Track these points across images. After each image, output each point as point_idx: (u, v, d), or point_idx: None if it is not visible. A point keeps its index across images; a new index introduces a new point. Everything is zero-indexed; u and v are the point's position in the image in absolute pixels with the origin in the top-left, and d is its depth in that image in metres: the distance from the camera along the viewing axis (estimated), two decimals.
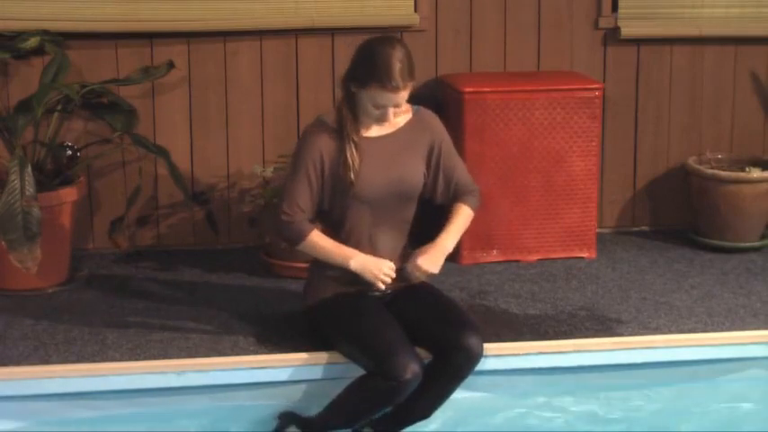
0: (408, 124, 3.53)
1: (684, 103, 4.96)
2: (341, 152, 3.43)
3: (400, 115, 3.48)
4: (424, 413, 3.39)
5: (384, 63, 3.32)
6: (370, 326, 3.36)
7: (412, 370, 3.21)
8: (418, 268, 3.47)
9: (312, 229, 3.46)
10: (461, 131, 4.33)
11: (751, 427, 3.67)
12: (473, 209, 3.60)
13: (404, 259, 3.53)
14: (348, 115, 3.44)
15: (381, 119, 3.43)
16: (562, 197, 4.50)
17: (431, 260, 3.47)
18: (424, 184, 3.56)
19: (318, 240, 3.46)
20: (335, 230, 3.50)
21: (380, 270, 3.43)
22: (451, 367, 3.32)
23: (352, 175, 3.41)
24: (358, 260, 3.43)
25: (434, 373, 3.31)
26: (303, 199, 3.44)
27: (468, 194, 3.60)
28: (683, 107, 4.97)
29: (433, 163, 3.55)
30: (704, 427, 3.63)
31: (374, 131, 3.48)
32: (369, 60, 3.35)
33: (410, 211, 3.57)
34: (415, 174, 3.51)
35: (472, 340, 3.31)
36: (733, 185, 4.63)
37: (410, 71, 3.35)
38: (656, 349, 3.67)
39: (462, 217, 3.57)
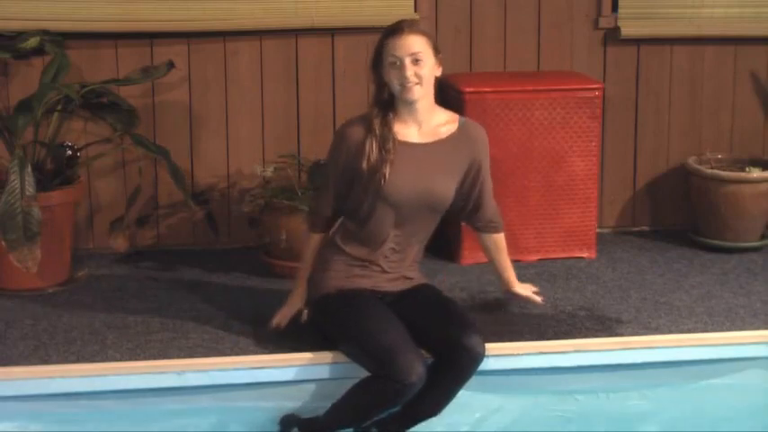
0: (451, 137, 3.53)
1: (684, 103, 4.97)
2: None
3: (425, 85, 3.43)
4: (432, 411, 3.38)
5: (391, 24, 3.48)
6: (374, 326, 3.35)
7: (416, 372, 3.20)
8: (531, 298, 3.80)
9: (313, 236, 3.63)
10: None
11: (751, 427, 3.67)
12: (502, 231, 3.75)
13: (417, 266, 3.62)
14: (378, 109, 3.48)
15: (403, 81, 3.40)
16: (562, 197, 4.50)
17: (530, 287, 3.84)
18: (453, 200, 3.57)
19: (307, 246, 3.65)
20: (360, 226, 3.51)
21: (282, 315, 3.64)
22: (454, 367, 3.32)
23: (366, 168, 3.42)
24: (293, 293, 3.68)
25: (437, 374, 3.31)
26: (324, 206, 3.60)
27: (491, 222, 3.69)
28: (683, 107, 4.97)
29: (469, 181, 3.56)
30: (704, 427, 3.63)
31: (414, 135, 3.50)
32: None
33: (434, 223, 3.59)
34: (445, 189, 3.51)
35: (474, 340, 3.31)
36: (733, 185, 4.63)
37: (421, 28, 3.45)
38: (656, 349, 3.67)
39: (503, 246, 3.76)
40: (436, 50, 3.45)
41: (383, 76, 3.45)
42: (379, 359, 3.25)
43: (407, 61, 3.38)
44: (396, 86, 3.43)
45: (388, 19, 4.60)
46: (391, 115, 3.48)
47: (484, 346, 3.33)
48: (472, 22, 4.76)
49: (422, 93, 3.43)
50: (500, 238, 3.73)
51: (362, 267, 3.52)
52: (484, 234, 3.72)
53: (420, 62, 3.39)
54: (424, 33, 3.44)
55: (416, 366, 3.21)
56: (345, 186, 3.52)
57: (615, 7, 4.84)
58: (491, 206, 3.67)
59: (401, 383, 3.20)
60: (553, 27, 4.82)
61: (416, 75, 3.40)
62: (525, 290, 3.80)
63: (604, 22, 4.84)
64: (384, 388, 3.24)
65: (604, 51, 4.88)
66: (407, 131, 3.50)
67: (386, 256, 3.53)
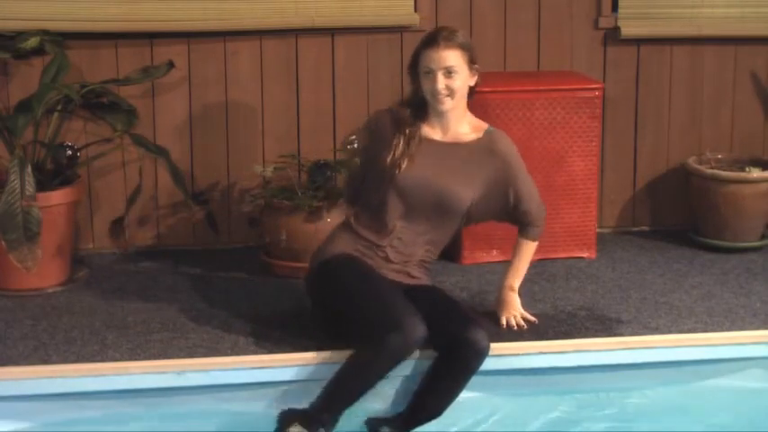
0: (475, 143, 3.60)
1: (684, 103, 4.97)
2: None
3: (456, 97, 3.52)
4: (436, 410, 3.38)
5: (431, 31, 3.58)
6: (376, 288, 3.42)
7: (419, 330, 3.24)
8: (509, 322, 3.72)
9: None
10: None
11: (751, 428, 3.67)
12: (536, 239, 3.73)
13: (425, 269, 3.66)
14: (410, 109, 3.57)
15: (434, 92, 3.49)
16: (562, 197, 4.50)
17: (511, 309, 3.74)
18: (490, 209, 3.64)
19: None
20: (371, 212, 3.59)
21: None
22: (459, 362, 3.33)
23: (389, 162, 3.51)
24: None
25: (442, 369, 3.33)
26: (352, 195, 3.73)
27: (530, 226, 3.69)
28: (683, 107, 4.97)
29: (503, 192, 3.61)
30: (704, 428, 3.63)
31: (438, 135, 3.59)
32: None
33: (448, 227, 3.63)
34: (458, 193, 3.55)
35: (478, 334, 3.33)
36: (733, 185, 4.63)
37: (460, 39, 3.50)
38: (656, 349, 3.67)
39: (524, 253, 3.73)
40: (471, 62, 3.55)
41: (419, 81, 3.55)
42: (382, 318, 3.28)
43: (440, 74, 3.48)
44: (428, 95, 3.53)
45: (388, 19, 4.66)
46: (422, 117, 3.58)
47: (488, 341, 3.35)
48: (472, 22, 4.76)
49: (452, 104, 3.54)
50: (525, 244, 3.72)
51: (368, 248, 3.57)
52: (518, 235, 3.75)
53: (453, 75, 3.49)
54: (459, 46, 3.50)
55: (419, 325, 3.25)
56: (368, 171, 3.62)
57: (615, 7, 4.84)
58: (529, 212, 3.66)
59: (404, 338, 3.22)
60: (553, 27, 4.82)
61: (448, 87, 3.50)
62: (512, 307, 3.75)
63: (604, 22, 4.84)
64: (387, 344, 3.23)
65: (604, 51, 4.88)
66: (432, 131, 3.60)
67: (393, 246, 3.57)
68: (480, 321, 3.44)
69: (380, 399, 3.48)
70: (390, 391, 3.49)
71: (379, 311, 3.32)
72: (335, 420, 3.29)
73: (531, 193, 3.66)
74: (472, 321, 3.39)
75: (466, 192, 3.56)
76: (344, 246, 3.57)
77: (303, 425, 3.29)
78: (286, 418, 3.38)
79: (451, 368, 3.33)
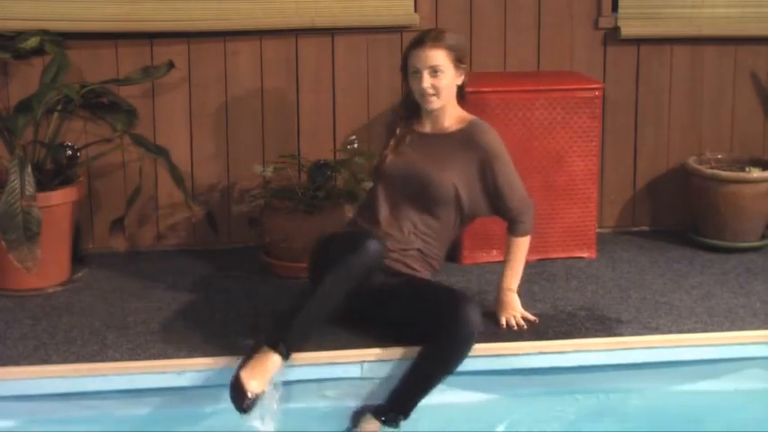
0: (458, 133, 3.68)
1: (684, 102, 4.97)
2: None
3: (442, 96, 3.60)
4: (416, 394, 3.37)
5: (419, 32, 3.69)
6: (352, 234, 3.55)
7: (376, 246, 3.37)
8: (509, 322, 3.70)
9: None
10: None
11: (751, 428, 3.67)
12: (524, 235, 3.73)
13: (426, 264, 3.67)
14: (403, 111, 3.74)
15: (421, 92, 3.59)
16: (562, 197, 4.50)
17: (510, 310, 3.72)
18: (478, 201, 3.67)
19: None
20: (366, 203, 3.76)
21: None
22: (450, 340, 3.35)
23: (379, 158, 3.70)
24: None
25: (431, 349, 3.35)
26: None
27: (514, 222, 3.71)
28: (683, 107, 4.97)
29: (484, 182, 3.65)
30: (704, 428, 3.63)
31: (427, 129, 3.72)
32: None
33: (441, 217, 3.66)
34: (437, 178, 3.61)
35: (471, 312, 3.34)
36: (733, 185, 4.63)
37: (447, 40, 3.59)
38: (656, 349, 3.67)
39: (515, 252, 3.73)
40: (458, 62, 3.62)
41: (408, 81, 3.67)
42: (346, 244, 3.39)
43: (426, 73, 3.58)
44: (417, 95, 3.63)
45: (388, 19, 4.66)
46: (415, 117, 3.71)
47: (480, 319, 3.38)
48: (472, 22, 4.76)
49: (440, 103, 3.63)
50: (514, 242, 3.73)
51: None
52: (507, 232, 3.76)
53: (438, 74, 3.58)
54: (445, 46, 3.58)
55: (376, 243, 3.38)
56: None
57: (615, 7, 4.84)
58: (511, 208, 3.69)
59: (360, 255, 3.32)
60: (553, 27, 4.82)
61: (434, 86, 3.59)
62: (512, 308, 3.74)
63: (604, 22, 4.84)
64: (345, 261, 3.32)
65: (604, 51, 4.88)
66: (422, 128, 3.72)
67: (389, 234, 3.61)
68: (474, 301, 3.44)
69: (369, 397, 3.49)
70: (379, 388, 3.49)
71: (346, 241, 3.44)
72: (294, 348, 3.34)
73: (512, 186, 3.67)
74: (464, 299, 3.40)
75: (445, 177, 3.61)
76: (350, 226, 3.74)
77: (268, 344, 3.31)
78: (252, 347, 3.36)
79: (441, 347, 3.35)
